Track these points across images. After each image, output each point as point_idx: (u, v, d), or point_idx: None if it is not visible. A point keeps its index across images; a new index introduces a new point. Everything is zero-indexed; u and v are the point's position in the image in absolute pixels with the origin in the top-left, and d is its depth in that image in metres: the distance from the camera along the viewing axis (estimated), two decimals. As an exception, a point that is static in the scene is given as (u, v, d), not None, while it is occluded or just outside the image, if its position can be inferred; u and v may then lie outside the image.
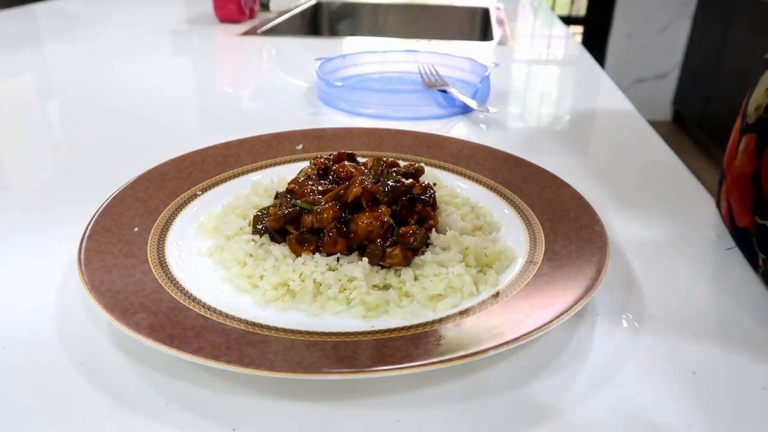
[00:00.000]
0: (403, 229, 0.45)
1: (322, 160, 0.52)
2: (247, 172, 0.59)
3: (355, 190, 0.45)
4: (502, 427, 0.34)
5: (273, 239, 0.47)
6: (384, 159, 0.51)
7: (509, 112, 0.86)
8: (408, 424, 0.34)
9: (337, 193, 0.46)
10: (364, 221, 0.44)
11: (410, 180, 0.48)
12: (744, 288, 0.46)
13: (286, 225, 0.46)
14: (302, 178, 0.51)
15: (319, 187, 0.48)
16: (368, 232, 0.44)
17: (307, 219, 0.45)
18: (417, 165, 0.51)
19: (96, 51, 1.18)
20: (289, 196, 0.49)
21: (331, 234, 0.44)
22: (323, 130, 0.66)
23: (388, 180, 0.47)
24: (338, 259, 0.45)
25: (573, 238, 0.47)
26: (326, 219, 0.44)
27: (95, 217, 0.47)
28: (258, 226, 0.48)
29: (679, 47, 3.19)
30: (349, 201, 0.45)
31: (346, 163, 0.51)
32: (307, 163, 0.55)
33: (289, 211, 0.46)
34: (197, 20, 1.45)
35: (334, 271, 0.44)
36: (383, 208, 0.45)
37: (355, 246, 0.45)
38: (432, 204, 0.49)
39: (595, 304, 0.44)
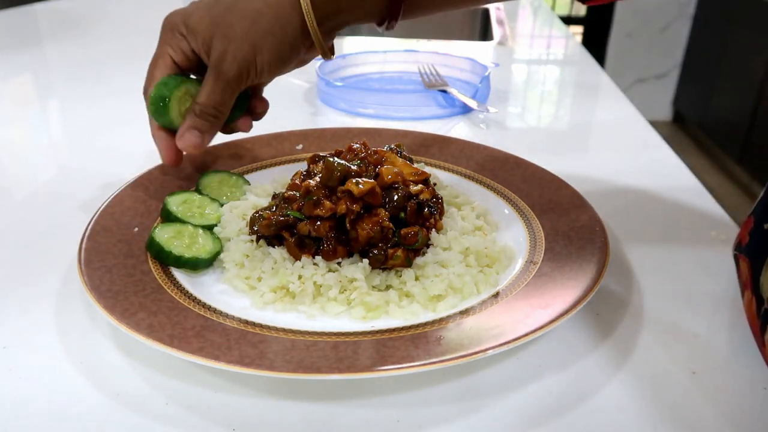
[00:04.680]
0: (404, 231, 0.45)
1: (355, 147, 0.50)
2: (248, 172, 0.59)
3: (365, 233, 0.44)
4: (501, 427, 0.34)
5: (269, 243, 0.47)
6: (336, 165, 0.45)
7: (509, 112, 0.86)
8: (408, 424, 0.34)
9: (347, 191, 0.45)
10: (365, 228, 0.44)
11: (419, 186, 0.48)
12: (744, 288, 0.46)
13: (280, 232, 0.46)
14: (300, 179, 0.50)
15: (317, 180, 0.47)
16: (369, 238, 0.44)
17: (304, 227, 0.44)
18: (421, 172, 0.49)
19: (96, 51, 1.18)
20: (285, 204, 0.48)
21: (329, 243, 0.44)
22: (323, 130, 0.66)
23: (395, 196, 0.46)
24: (339, 261, 0.45)
25: (573, 238, 0.47)
26: (323, 229, 0.44)
27: (95, 217, 0.47)
28: (254, 228, 0.47)
29: (679, 47, 3.19)
30: (361, 240, 0.44)
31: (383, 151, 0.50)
32: (305, 165, 0.55)
33: (281, 220, 0.45)
34: (197, 20, 1.45)
35: (334, 272, 0.44)
36: (382, 212, 0.45)
37: (357, 252, 0.45)
38: (439, 211, 0.49)
39: (595, 304, 0.44)
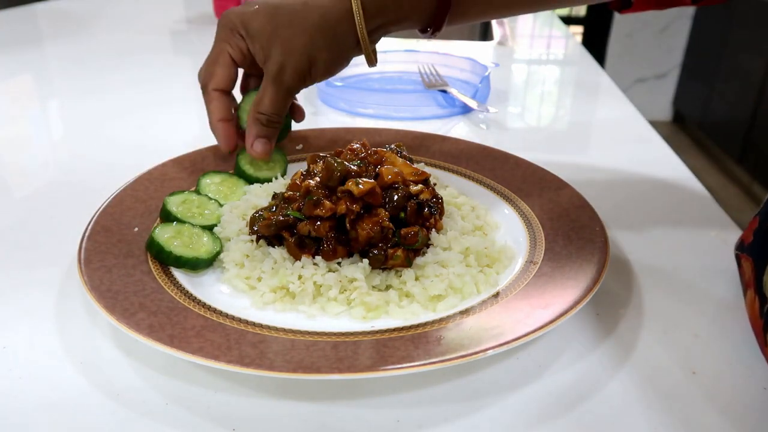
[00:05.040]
0: (404, 231, 0.45)
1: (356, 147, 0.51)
2: (247, 172, 0.59)
3: (365, 233, 0.44)
4: (501, 427, 0.34)
5: (270, 243, 0.47)
6: (336, 165, 0.45)
7: (509, 112, 0.86)
8: (408, 424, 0.34)
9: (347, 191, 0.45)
10: (365, 228, 0.44)
11: (419, 186, 0.48)
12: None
13: (280, 232, 0.46)
14: (300, 179, 0.50)
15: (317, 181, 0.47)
16: (369, 238, 0.44)
17: (304, 227, 0.44)
18: (421, 172, 0.49)
19: (96, 51, 1.18)
20: (285, 204, 0.48)
21: (329, 244, 0.44)
22: (323, 130, 0.66)
23: (395, 196, 0.46)
24: (339, 261, 0.45)
25: (573, 238, 0.47)
26: (323, 229, 0.44)
27: (95, 217, 0.47)
28: (254, 228, 0.47)
29: (679, 47, 3.19)
30: (361, 240, 0.44)
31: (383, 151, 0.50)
32: (305, 165, 0.55)
33: (280, 220, 0.45)
34: (197, 20, 1.45)
35: (334, 272, 0.44)
36: (382, 212, 0.45)
37: (357, 252, 0.45)
38: (439, 211, 0.49)
39: (595, 304, 0.44)
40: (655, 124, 0.82)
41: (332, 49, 0.51)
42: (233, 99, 0.57)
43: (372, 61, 0.53)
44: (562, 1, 0.56)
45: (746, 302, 0.41)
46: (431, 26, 0.52)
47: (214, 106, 0.55)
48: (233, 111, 0.57)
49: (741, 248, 0.43)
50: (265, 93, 0.52)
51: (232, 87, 0.55)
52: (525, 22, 1.55)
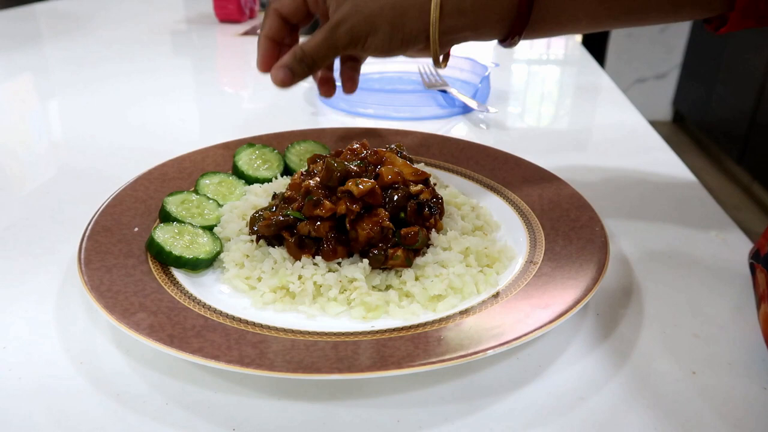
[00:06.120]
0: (404, 231, 0.45)
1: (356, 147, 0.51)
2: (247, 172, 0.59)
3: (365, 233, 0.44)
4: (501, 427, 0.34)
5: (269, 243, 0.47)
6: (336, 165, 0.46)
7: (509, 112, 0.86)
8: (408, 424, 0.34)
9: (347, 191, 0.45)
10: (365, 228, 0.44)
11: (419, 186, 0.48)
12: (744, 288, 0.46)
13: (280, 232, 0.46)
14: (300, 179, 0.50)
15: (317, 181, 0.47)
16: (369, 238, 0.44)
17: (304, 227, 0.44)
18: (421, 172, 0.49)
19: (96, 51, 1.18)
20: (285, 204, 0.48)
21: (329, 244, 0.44)
22: (323, 130, 0.66)
23: (396, 196, 0.46)
24: (339, 261, 0.45)
25: (573, 238, 0.47)
26: (323, 229, 0.44)
27: (95, 217, 0.47)
28: (254, 228, 0.48)
29: (679, 47, 3.19)
30: (360, 240, 0.44)
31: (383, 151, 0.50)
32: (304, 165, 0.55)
33: (280, 220, 0.45)
34: (197, 20, 1.45)
35: (334, 272, 0.44)
36: (382, 212, 0.45)
37: (357, 252, 0.45)
38: (439, 211, 0.49)
39: (595, 304, 0.44)
40: (655, 124, 0.82)
41: (396, 26, 0.49)
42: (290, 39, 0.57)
43: (438, 62, 0.51)
44: (652, 17, 0.52)
45: (759, 316, 0.40)
46: (509, 37, 0.50)
47: (267, 22, 0.55)
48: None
49: (756, 258, 0.42)
50: (315, 35, 0.51)
51: (294, 19, 0.55)
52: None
